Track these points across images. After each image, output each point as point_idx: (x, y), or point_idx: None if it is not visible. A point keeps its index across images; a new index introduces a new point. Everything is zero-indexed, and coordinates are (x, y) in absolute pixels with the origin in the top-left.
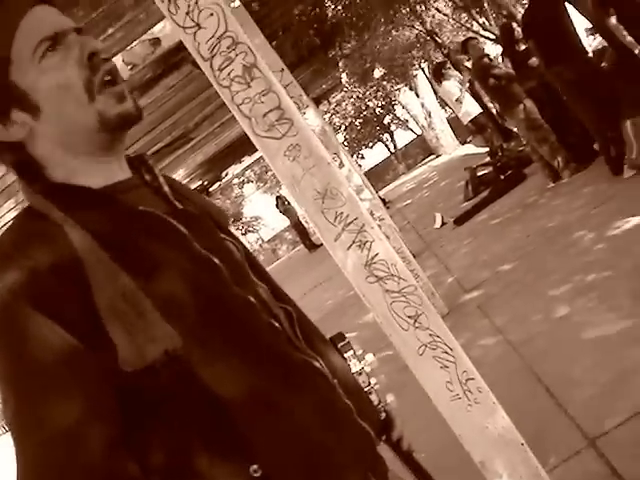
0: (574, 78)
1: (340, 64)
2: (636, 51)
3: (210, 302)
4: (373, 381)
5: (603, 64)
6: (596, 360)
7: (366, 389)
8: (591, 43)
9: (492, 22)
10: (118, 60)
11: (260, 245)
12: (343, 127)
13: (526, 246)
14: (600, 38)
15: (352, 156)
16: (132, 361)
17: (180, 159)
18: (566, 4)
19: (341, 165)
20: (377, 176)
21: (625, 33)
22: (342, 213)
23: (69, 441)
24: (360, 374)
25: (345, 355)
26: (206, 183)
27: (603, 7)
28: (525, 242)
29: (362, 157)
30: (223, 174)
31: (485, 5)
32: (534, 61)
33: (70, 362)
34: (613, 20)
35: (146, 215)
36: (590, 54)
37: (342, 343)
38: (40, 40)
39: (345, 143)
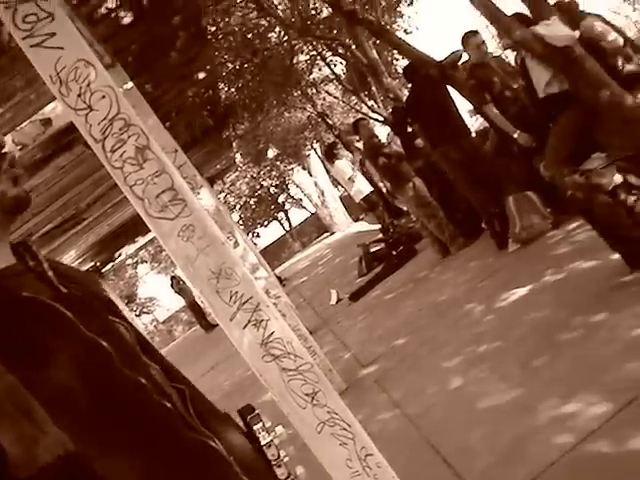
0: (459, 157)
1: (234, 144)
2: (514, 135)
3: (100, 388)
4: (282, 453)
5: (487, 143)
6: (491, 429)
7: (275, 462)
8: (474, 124)
9: (380, 104)
10: (7, 140)
11: (155, 326)
12: (238, 206)
13: (418, 320)
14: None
15: (247, 235)
16: (23, 466)
17: (71, 240)
18: (448, 87)
19: (236, 244)
20: (273, 254)
21: (501, 117)
22: (237, 292)
23: None
24: (269, 447)
25: (254, 427)
26: (99, 264)
27: (481, 92)
28: (418, 316)
29: (257, 236)
30: (116, 255)
31: (373, 89)
32: (419, 142)
33: None
34: (490, 105)
35: (30, 301)
36: (473, 134)
37: (251, 415)
38: None
39: (240, 222)
